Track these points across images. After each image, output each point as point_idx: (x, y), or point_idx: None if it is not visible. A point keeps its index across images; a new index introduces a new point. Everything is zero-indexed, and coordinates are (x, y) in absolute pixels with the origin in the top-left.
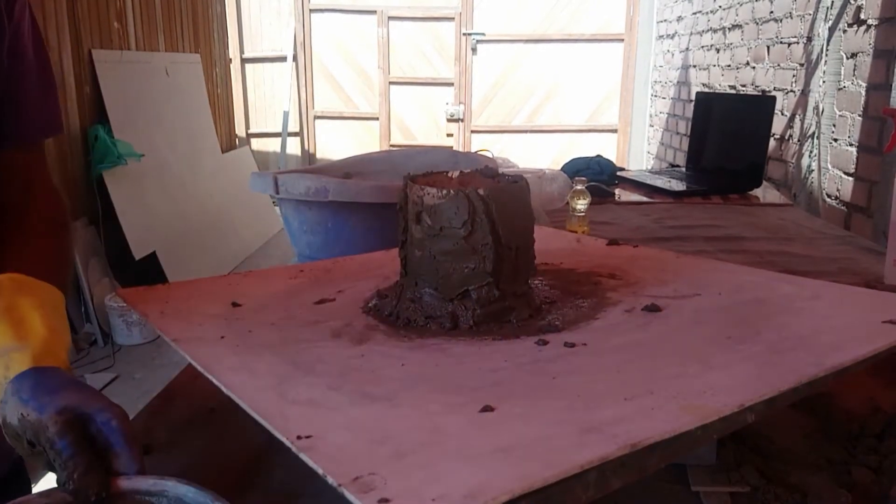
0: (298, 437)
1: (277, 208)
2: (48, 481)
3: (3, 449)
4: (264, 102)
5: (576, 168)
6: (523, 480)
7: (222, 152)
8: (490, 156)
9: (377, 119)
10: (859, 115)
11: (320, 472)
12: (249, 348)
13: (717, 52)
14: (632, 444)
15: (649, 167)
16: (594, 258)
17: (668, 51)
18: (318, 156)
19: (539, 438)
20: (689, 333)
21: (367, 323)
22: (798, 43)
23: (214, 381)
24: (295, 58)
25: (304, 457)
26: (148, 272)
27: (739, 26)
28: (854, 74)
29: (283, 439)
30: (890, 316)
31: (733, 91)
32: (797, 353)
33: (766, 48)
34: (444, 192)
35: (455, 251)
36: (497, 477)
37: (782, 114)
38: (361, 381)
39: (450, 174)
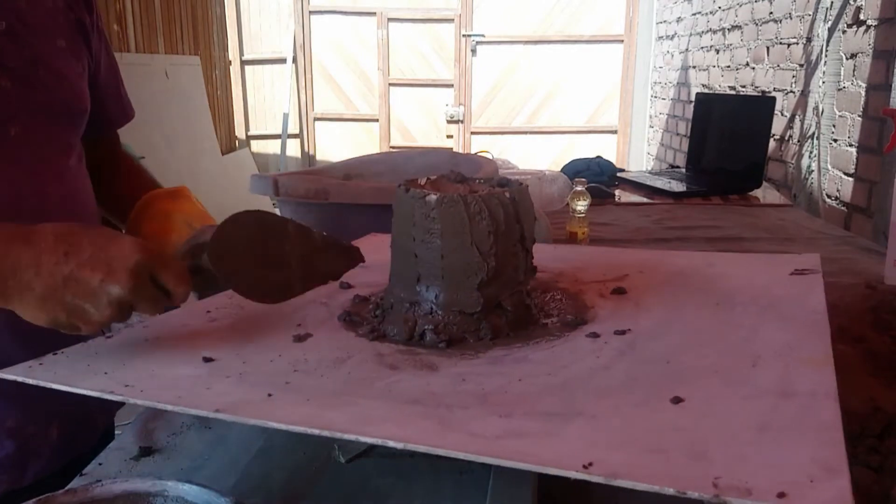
0: (584, 467)
1: (277, 210)
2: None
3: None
4: (264, 104)
5: (576, 169)
6: (837, 452)
7: (222, 154)
8: (490, 157)
9: (377, 121)
10: (859, 116)
11: (669, 492)
12: (332, 397)
13: (717, 52)
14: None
15: (649, 168)
16: None
17: (668, 52)
18: (318, 157)
19: (775, 413)
20: (685, 306)
21: (398, 349)
22: (798, 43)
23: (371, 440)
24: (294, 60)
25: (639, 486)
26: None
27: (739, 27)
28: (854, 75)
29: (569, 473)
30: (789, 270)
31: (733, 92)
32: (783, 308)
33: (765, 49)
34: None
35: (479, 260)
36: (817, 452)
37: (782, 114)
38: (514, 404)
39: (419, 181)
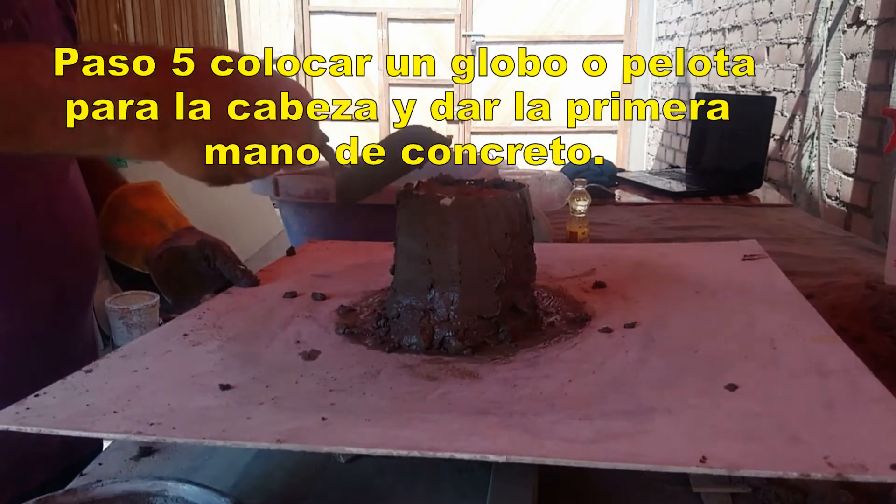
0: (702, 461)
1: (278, 210)
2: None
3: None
4: None
5: (576, 169)
6: None
7: None
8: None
9: (377, 121)
10: (859, 116)
11: (793, 475)
12: (393, 415)
13: (717, 53)
14: (870, 372)
15: (649, 168)
16: None
17: (668, 52)
18: (318, 157)
19: (827, 391)
20: (670, 296)
21: (423, 359)
22: (798, 44)
23: (470, 456)
24: None
25: (763, 474)
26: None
27: (739, 27)
28: (854, 75)
29: (689, 469)
30: (737, 256)
31: (733, 92)
32: (759, 293)
33: (765, 49)
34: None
35: (497, 263)
36: (891, 423)
37: (782, 114)
38: (583, 406)
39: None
